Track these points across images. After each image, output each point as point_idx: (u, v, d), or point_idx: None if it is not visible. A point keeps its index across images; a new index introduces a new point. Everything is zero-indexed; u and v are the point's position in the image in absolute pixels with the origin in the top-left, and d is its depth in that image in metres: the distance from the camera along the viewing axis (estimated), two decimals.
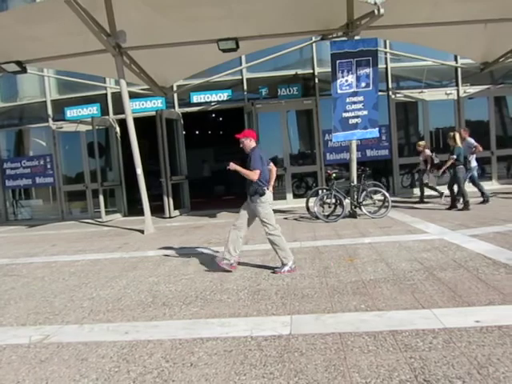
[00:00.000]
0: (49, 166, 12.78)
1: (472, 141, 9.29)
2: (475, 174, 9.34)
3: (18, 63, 8.83)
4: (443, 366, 2.39)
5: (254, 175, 4.69)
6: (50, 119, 12.82)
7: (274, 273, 4.70)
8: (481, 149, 9.30)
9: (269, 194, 4.81)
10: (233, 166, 4.81)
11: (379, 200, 8.54)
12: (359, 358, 2.56)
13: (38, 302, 4.36)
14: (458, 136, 8.61)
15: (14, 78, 11.90)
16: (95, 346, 3.06)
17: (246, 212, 4.93)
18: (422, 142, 10.40)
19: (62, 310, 4.00)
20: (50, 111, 12.81)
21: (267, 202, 4.78)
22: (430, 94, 12.04)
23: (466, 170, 8.75)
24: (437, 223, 7.04)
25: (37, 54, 8.89)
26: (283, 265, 4.70)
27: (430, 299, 3.49)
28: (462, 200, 8.51)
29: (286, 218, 9.22)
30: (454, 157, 8.41)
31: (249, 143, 4.86)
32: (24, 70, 9.13)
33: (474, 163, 9.29)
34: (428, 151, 10.11)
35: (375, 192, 8.56)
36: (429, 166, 9.88)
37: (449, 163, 8.57)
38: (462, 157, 8.52)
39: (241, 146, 4.90)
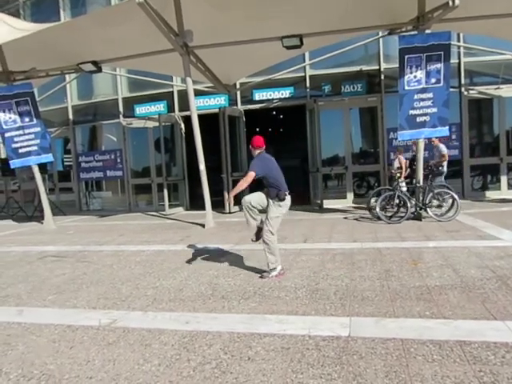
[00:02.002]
0: (119, 160, 13.55)
1: (442, 148, 9.23)
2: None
3: (94, 63, 9.41)
4: None
5: (247, 178, 4.53)
6: (120, 116, 13.58)
7: (261, 277, 4.58)
8: (447, 158, 9.25)
9: (288, 200, 4.67)
10: (232, 194, 4.76)
11: (447, 202, 8.09)
12: (423, 367, 2.44)
13: (107, 287, 4.64)
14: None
15: (89, 77, 12.71)
16: (158, 333, 3.20)
17: None
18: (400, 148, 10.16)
19: (128, 297, 4.22)
20: (121, 108, 13.57)
21: (282, 207, 4.63)
22: (507, 91, 11.18)
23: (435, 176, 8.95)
24: None
25: (111, 54, 9.45)
26: (270, 270, 4.58)
27: (503, 310, 3.25)
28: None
29: (345, 218, 9.03)
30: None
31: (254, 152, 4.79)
32: (99, 70, 9.72)
33: (444, 169, 9.31)
34: (403, 158, 9.80)
35: (443, 194, 8.11)
36: (403, 173, 9.51)
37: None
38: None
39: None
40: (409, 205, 7.96)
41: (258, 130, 14.19)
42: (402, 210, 8.21)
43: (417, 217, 8.20)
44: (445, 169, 9.33)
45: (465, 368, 2.40)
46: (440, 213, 7.99)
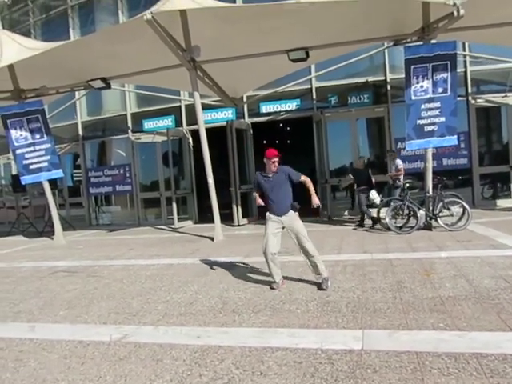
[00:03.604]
0: (127, 175, 13.66)
1: (398, 162, 9.39)
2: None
3: (103, 80, 9.56)
4: None
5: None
6: (129, 131, 13.73)
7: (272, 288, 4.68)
8: (403, 172, 9.31)
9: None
10: (317, 200, 4.81)
11: (457, 212, 8.01)
12: (438, 381, 2.40)
13: (117, 302, 4.64)
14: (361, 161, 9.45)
15: (98, 93, 12.87)
16: (169, 348, 3.19)
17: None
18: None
19: (138, 312, 4.22)
20: (129, 123, 13.72)
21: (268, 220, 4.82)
22: None
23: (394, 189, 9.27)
24: None
25: (119, 70, 9.59)
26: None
27: None
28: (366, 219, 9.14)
29: (355, 229, 8.97)
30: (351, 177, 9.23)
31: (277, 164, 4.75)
32: (108, 86, 9.87)
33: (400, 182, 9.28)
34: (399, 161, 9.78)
35: (453, 203, 8.04)
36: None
37: (347, 183, 9.46)
38: (364, 179, 9.03)
39: (277, 163, 4.68)
40: (418, 215, 7.90)
41: (265, 142, 14.24)
42: (411, 220, 8.15)
43: (427, 227, 8.12)
44: (401, 182, 9.32)
45: (482, 381, 2.35)
46: (451, 222, 7.91)
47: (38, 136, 9.96)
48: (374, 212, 8.96)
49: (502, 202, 11.18)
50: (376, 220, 8.81)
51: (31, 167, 10.03)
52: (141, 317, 4.05)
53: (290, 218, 4.67)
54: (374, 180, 9.26)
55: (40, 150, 9.99)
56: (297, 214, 4.72)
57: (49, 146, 10.02)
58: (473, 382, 2.35)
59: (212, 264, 6.32)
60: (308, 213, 4.84)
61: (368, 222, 9.05)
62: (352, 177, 9.26)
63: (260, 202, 4.90)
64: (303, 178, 4.76)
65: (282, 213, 4.69)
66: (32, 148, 9.98)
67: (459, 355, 2.68)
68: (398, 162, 9.48)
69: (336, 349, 2.93)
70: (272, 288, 4.66)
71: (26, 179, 10.18)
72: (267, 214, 4.80)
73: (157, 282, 5.45)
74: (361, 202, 9.02)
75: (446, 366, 2.57)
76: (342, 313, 3.70)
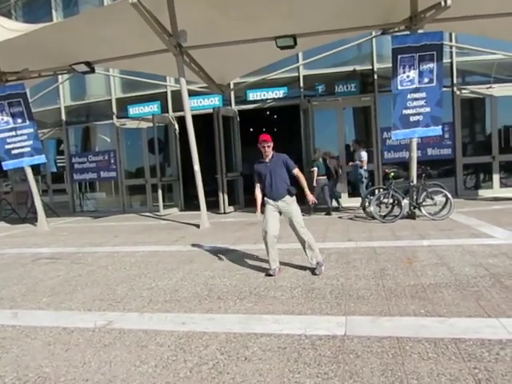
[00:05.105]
0: (112, 161, 13.49)
1: (362, 154, 9.96)
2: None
3: (87, 64, 9.35)
4: None
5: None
6: (114, 116, 13.52)
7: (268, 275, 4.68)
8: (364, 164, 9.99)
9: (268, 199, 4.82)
10: (311, 197, 4.97)
11: (440, 201, 8.14)
12: (418, 365, 2.46)
13: (102, 289, 4.62)
14: (317, 152, 9.90)
15: (82, 78, 12.63)
16: (154, 335, 3.19)
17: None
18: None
19: (123, 298, 4.21)
20: (114, 109, 13.50)
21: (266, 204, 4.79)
22: (499, 90, 11.26)
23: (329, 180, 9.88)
24: (505, 227, 6.58)
25: (104, 54, 9.39)
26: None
27: (497, 308, 3.28)
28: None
29: (340, 217, 9.06)
30: (315, 169, 9.55)
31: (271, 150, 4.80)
32: (92, 71, 9.66)
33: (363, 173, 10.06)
34: (334, 161, 10.33)
35: (436, 193, 8.16)
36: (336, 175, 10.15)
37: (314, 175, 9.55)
38: (323, 169, 9.65)
39: (267, 147, 4.73)
40: (403, 204, 8.01)
41: (252, 130, 14.18)
42: (395, 208, 8.26)
43: (411, 215, 8.25)
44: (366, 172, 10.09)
45: (460, 365, 2.42)
46: (434, 211, 8.04)
47: (19, 120, 9.75)
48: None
49: (484, 192, 11.41)
50: (330, 211, 9.54)
51: (13, 152, 9.84)
52: (125, 303, 4.04)
53: (287, 203, 4.70)
54: (335, 170, 9.98)
55: (22, 134, 9.80)
56: (294, 199, 4.75)
57: (31, 130, 9.82)
58: (451, 366, 2.42)
59: (198, 251, 6.33)
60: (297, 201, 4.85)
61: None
62: (315, 168, 9.61)
63: (259, 211, 4.89)
64: (297, 171, 4.81)
65: (278, 197, 4.70)
66: (14, 133, 9.78)
67: (439, 340, 2.75)
68: (363, 153, 9.91)
69: (319, 334, 2.98)
70: (268, 275, 4.65)
71: (7, 164, 9.99)
72: (265, 198, 4.79)
73: (142, 269, 5.43)
74: (317, 191, 9.46)
75: (425, 350, 2.63)
76: (325, 299, 3.75)
